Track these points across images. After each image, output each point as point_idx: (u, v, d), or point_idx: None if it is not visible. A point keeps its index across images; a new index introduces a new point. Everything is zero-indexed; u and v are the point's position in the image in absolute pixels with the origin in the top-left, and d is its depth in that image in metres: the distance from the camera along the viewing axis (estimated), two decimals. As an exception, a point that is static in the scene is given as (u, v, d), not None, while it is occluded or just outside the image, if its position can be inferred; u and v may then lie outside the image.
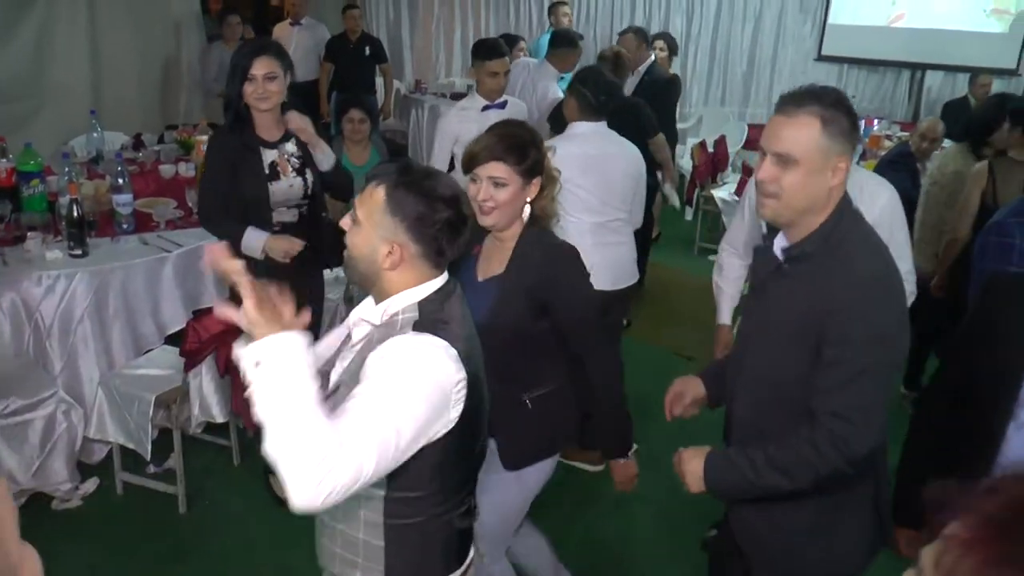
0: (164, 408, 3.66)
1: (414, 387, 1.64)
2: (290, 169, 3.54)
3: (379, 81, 8.45)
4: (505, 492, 2.59)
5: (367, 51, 8.08)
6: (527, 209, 2.48)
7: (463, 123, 4.36)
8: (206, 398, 3.77)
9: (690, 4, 9.86)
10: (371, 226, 1.78)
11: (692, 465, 2.05)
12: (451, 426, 1.72)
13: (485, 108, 4.50)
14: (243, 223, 3.43)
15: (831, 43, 9.63)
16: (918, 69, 9.68)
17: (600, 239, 3.75)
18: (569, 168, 3.54)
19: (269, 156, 3.51)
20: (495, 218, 2.44)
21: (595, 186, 3.71)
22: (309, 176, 3.58)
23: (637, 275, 4.07)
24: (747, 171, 7.02)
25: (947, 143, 5.52)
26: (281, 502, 1.68)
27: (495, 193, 2.41)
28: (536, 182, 2.47)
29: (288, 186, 3.53)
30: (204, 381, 3.75)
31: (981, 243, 3.12)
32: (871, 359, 1.85)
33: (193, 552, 3.54)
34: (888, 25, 9.45)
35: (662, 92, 6.25)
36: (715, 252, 3.76)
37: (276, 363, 1.50)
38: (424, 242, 1.77)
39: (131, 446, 3.67)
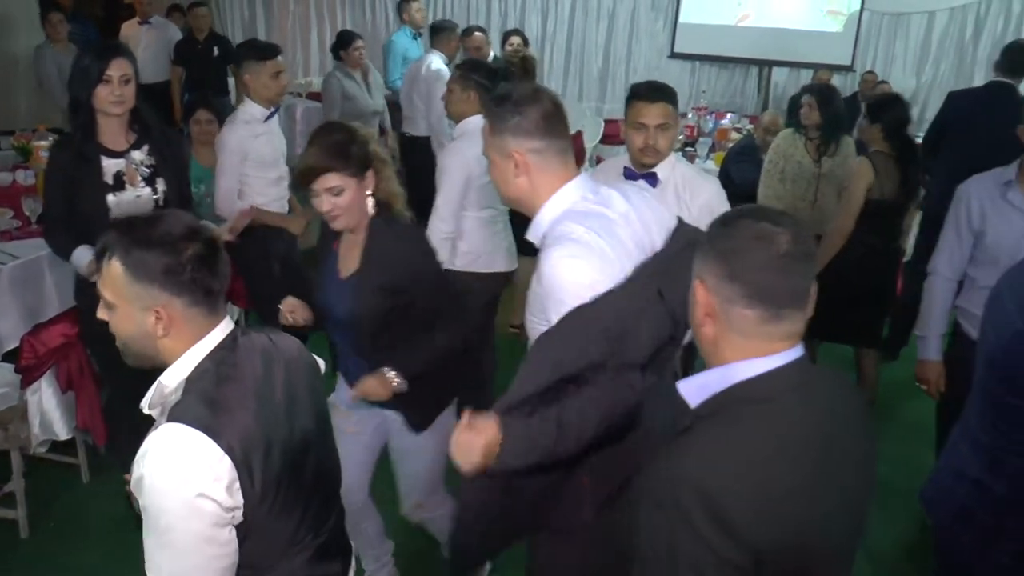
0: (1, 429, 3.49)
1: (173, 548, 1.58)
2: (139, 179, 3.31)
3: (232, 82, 8.25)
4: (424, 450, 2.85)
5: (216, 51, 7.88)
6: (370, 201, 2.57)
7: (250, 139, 4.10)
8: (47, 415, 3.57)
9: (545, 2, 9.99)
10: (126, 303, 1.63)
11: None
12: (243, 508, 1.62)
13: (268, 117, 4.18)
14: (83, 238, 3.18)
15: (683, 41, 9.93)
16: (765, 65, 10.10)
17: (499, 227, 4.04)
18: (473, 168, 3.60)
19: (114, 166, 3.27)
20: (344, 222, 2.56)
21: None
22: (160, 185, 3.36)
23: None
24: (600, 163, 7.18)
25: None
26: (139, 519, 1.62)
27: (336, 201, 2.51)
28: (370, 174, 2.56)
29: (135, 197, 3.30)
30: (44, 397, 3.54)
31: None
32: None
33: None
34: (736, 24, 9.82)
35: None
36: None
37: None
38: (186, 291, 1.62)
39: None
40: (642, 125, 3.15)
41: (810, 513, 1.42)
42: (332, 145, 2.48)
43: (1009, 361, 2.25)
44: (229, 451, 1.57)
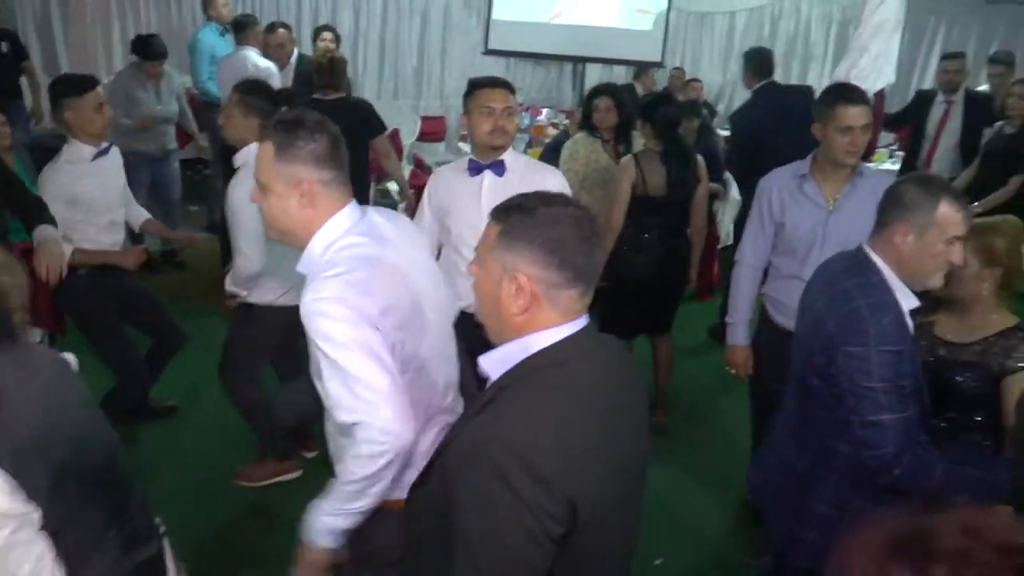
0: None
1: None
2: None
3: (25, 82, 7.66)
4: None
5: (3, 48, 7.31)
6: None
7: (74, 182, 3.76)
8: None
9: (357, -1, 9.80)
10: None
11: None
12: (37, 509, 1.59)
13: (97, 155, 3.86)
14: None
15: (496, 37, 9.95)
16: (578, 62, 10.30)
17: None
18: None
19: None
20: None
21: None
22: None
23: None
24: (419, 163, 7.10)
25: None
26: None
27: None
28: None
29: None
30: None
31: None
32: None
33: None
34: (549, 21, 9.93)
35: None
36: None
37: None
38: None
39: None
40: (491, 109, 3.23)
41: (605, 465, 1.54)
42: None
43: (812, 344, 2.38)
44: None
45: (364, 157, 5.34)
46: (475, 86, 3.32)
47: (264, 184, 2.04)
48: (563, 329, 1.58)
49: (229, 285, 3.63)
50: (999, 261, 2.49)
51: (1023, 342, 2.50)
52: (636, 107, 4.86)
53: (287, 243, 2.11)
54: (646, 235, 4.43)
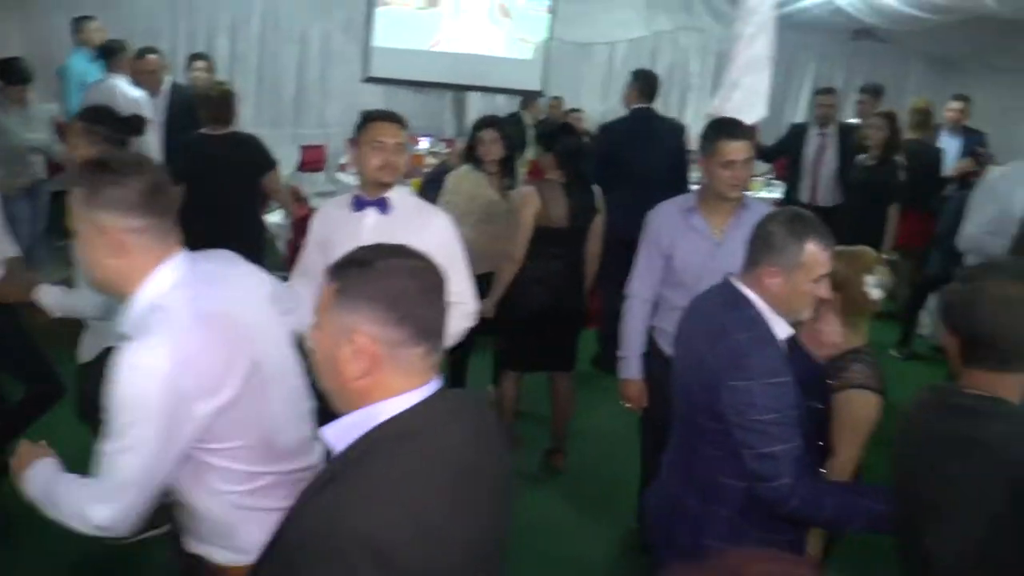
0: None
1: None
2: None
3: None
4: None
5: None
6: None
7: None
8: None
9: (233, 24, 9.53)
10: None
11: None
12: None
13: None
14: None
15: (377, 65, 9.83)
16: (459, 90, 10.28)
17: None
18: None
19: None
20: None
21: None
22: None
23: None
24: (296, 196, 6.87)
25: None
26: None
27: None
28: None
29: None
30: None
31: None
32: None
33: None
34: (429, 49, 9.89)
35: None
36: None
37: None
38: None
39: None
40: (382, 144, 3.13)
41: (464, 547, 1.43)
42: None
43: (693, 381, 2.38)
44: None
45: (253, 194, 5.18)
46: (368, 119, 3.22)
47: (75, 231, 1.87)
48: (412, 395, 1.46)
49: (45, 297, 3.26)
50: (838, 287, 2.55)
51: (852, 364, 2.62)
52: (523, 137, 4.84)
53: (109, 295, 1.96)
54: (548, 266, 4.40)
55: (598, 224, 4.56)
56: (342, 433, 1.48)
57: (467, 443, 1.51)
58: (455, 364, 5.02)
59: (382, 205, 3.22)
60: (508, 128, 5.03)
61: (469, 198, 4.81)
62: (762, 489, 2.23)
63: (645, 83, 5.94)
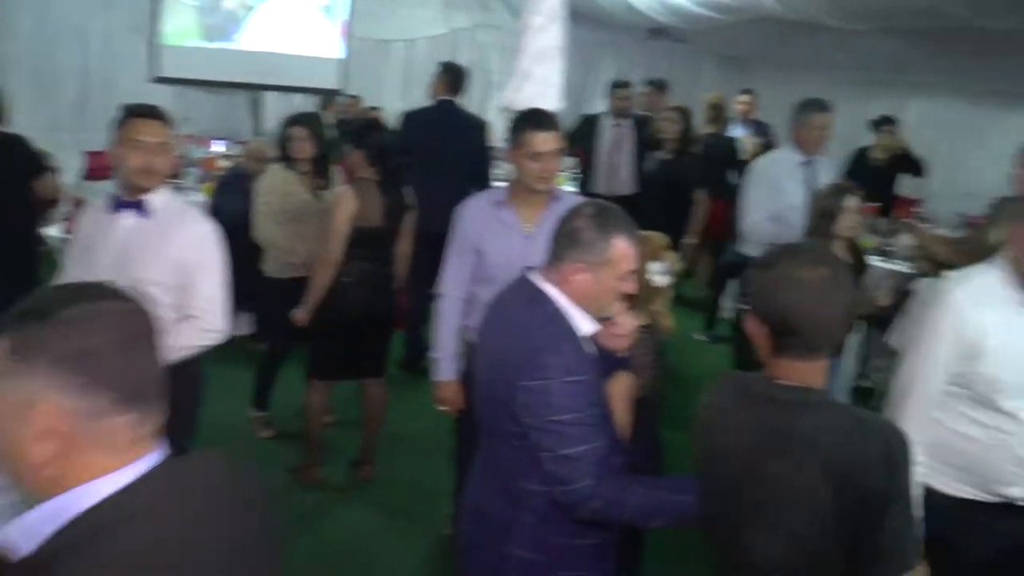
0: None
1: None
2: None
3: None
4: None
5: None
6: None
7: None
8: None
9: (2, 22, 8.78)
10: None
11: None
12: None
13: None
14: None
15: (168, 64, 9.26)
16: (255, 89, 9.90)
17: None
18: None
19: None
20: None
21: None
22: None
23: None
24: (79, 204, 6.37)
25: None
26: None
27: None
28: None
29: None
30: None
31: None
32: None
33: None
34: (224, 47, 9.45)
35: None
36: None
37: None
38: None
39: None
40: (140, 143, 2.90)
41: None
42: None
43: (492, 381, 2.28)
44: None
45: (24, 203, 4.78)
46: (128, 115, 2.99)
47: None
48: (123, 474, 1.16)
49: None
50: None
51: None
52: (332, 137, 4.68)
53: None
54: (362, 268, 4.24)
55: (409, 222, 4.45)
56: (29, 531, 1.13)
57: (204, 520, 1.21)
58: (264, 372, 4.82)
59: (140, 207, 2.99)
60: (319, 126, 4.88)
61: (282, 196, 4.69)
62: (562, 493, 2.13)
63: (453, 76, 5.96)
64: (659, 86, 8.16)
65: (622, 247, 2.21)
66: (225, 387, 5.26)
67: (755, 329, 1.90)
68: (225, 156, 7.81)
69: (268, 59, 9.57)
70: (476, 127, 6.00)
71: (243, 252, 5.39)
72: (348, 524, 4.16)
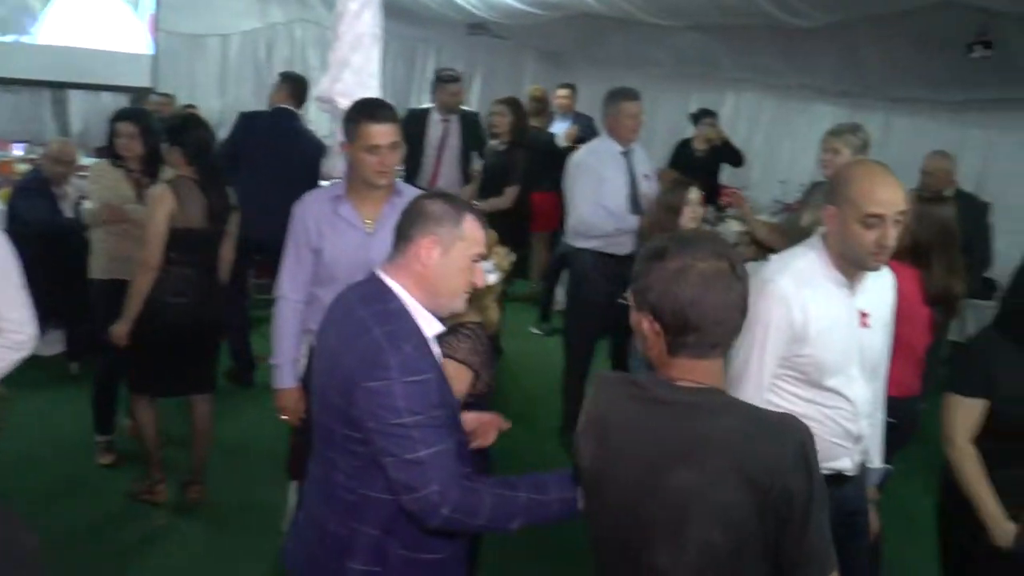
0: None
1: None
2: None
3: None
4: None
5: None
6: None
7: None
8: None
9: None
10: None
11: None
12: None
13: None
14: None
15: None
16: (59, 87, 9.24)
17: None
18: None
19: None
20: None
21: None
22: None
23: None
24: None
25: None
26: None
27: None
28: None
29: None
30: None
31: None
32: None
33: None
34: (22, 42, 8.77)
35: None
36: None
37: None
38: None
39: None
40: None
41: None
42: None
43: (328, 384, 2.13)
44: None
45: None
46: None
47: None
48: None
49: None
50: None
51: (457, 335, 2.68)
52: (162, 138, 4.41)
53: None
54: (183, 274, 4.01)
55: (233, 225, 4.24)
56: None
57: None
58: (100, 391, 4.48)
59: None
60: (149, 122, 4.61)
61: (114, 194, 4.47)
62: (409, 501, 2.00)
63: (293, 86, 5.99)
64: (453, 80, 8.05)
65: (473, 225, 2.14)
66: (56, 410, 4.90)
67: (646, 327, 1.77)
68: (23, 159, 7.28)
69: (70, 54, 8.99)
70: (315, 145, 5.83)
71: (50, 261, 5.02)
72: (184, 548, 3.94)
